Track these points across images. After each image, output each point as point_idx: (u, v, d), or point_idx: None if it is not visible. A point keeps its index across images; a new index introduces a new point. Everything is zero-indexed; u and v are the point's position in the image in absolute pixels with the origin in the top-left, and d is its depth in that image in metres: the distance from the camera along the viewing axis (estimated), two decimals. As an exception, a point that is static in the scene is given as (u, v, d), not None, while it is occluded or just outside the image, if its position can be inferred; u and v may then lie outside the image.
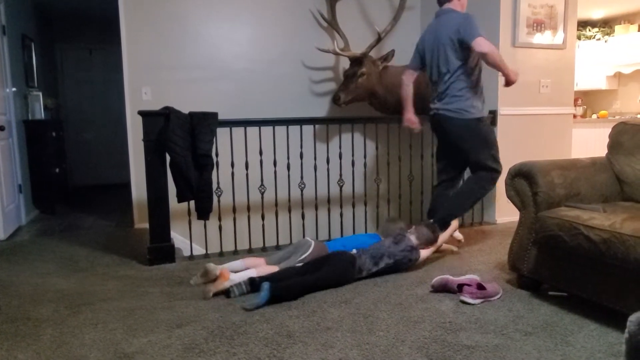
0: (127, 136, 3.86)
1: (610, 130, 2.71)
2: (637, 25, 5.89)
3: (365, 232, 3.49)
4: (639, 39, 5.79)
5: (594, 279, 2.03)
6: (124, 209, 4.62)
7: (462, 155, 2.99)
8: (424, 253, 2.71)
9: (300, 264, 2.57)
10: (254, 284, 2.34)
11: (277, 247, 3.27)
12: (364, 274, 2.52)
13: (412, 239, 2.68)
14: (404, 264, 2.63)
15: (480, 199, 3.04)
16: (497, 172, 2.95)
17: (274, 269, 2.52)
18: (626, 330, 1.06)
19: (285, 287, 2.27)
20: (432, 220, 2.92)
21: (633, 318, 0.85)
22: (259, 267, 2.55)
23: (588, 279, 2.05)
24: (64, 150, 5.78)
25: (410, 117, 3.17)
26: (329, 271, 2.41)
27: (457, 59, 2.83)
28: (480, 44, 2.70)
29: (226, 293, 2.33)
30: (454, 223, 2.96)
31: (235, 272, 2.50)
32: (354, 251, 2.59)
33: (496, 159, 2.96)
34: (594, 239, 1.94)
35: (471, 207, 3.18)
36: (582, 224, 2.01)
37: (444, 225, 2.89)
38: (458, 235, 3.09)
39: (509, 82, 2.81)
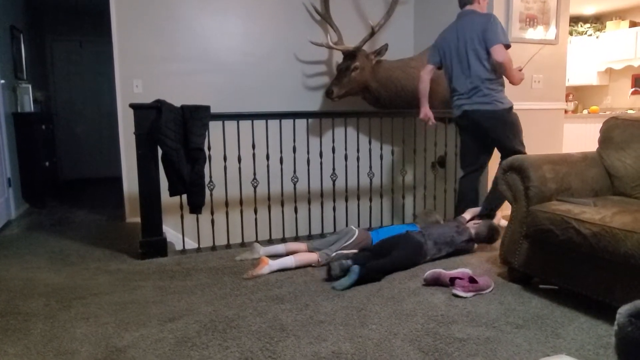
0: (118, 129, 3.82)
1: (601, 125, 2.73)
2: (628, 22, 5.93)
3: (358, 226, 3.49)
4: (629, 35, 5.83)
5: (584, 272, 2.05)
6: (115, 203, 4.59)
7: (494, 144, 3.12)
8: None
9: (341, 246, 2.76)
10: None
11: (270, 241, 3.27)
12: (427, 258, 2.71)
13: (472, 232, 2.87)
14: (461, 252, 2.83)
15: None
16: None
17: (314, 255, 2.70)
18: (615, 322, 1.07)
19: (370, 270, 2.43)
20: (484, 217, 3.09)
21: (622, 310, 0.86)
22: (299, 254, 2.74)
23: (578, 272, 2.07)
24: (54, 144, 5.72)
25: (427, 111, 3.31)
26: (401, 255, 2.58)
27: (484, 58, 2.95)
28: (498, 52, 2.87)
29: (328, 273, 2.47)
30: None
31: (276, 256, 2.73)
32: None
33: (523, 144, 3.11)
34: (585, 232, 1.96)
35: None
36: (573, 218, 2.03)
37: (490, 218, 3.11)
38: None
39: (516, 84, 3.04)
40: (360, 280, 2.36)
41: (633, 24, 5.89)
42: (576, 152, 2.61)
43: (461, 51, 3.03)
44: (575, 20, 6.42)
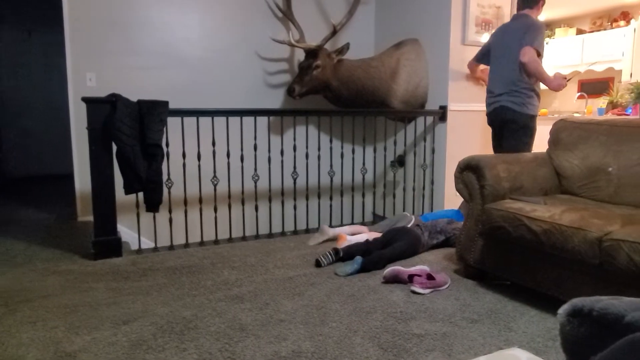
0: (69, 124, 3.65)
1: (550, 127, 2.86)
2: (575, 29, 6.23)
3: (319, 226, 3.50)
4: (576, 42, 6.12)
5: (534, 267, 2.14)
6: (66, 201, 4.39)
7: (505, 143, 3.18)
8: None
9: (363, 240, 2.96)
10: (337, 254, 2.71)
11: (230, 240, 3.22)
12: (425, 248, 2.95)
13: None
14: (452, 241, 2.99)
15: None
16: None
17: (378, 235, 2.98)
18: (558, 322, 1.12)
19: (373, 260, 2.60)
20: None
21: (561, 310, 0.89)
22: (373, 234, 3.04)
23: (529, 268, 2.16)
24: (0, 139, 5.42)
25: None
26: (402, 246, 2.79)
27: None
28: (524, 52, 2.93)
29: (316, 263, 2.68)
30: None
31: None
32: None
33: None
34: (536, 229, 2.05)
35: None
36: (525, 216, 2.11)
37: None
38: None
39: (554, 89, 3.11)
40: (363, 269, 2.55)
41: (580, 32, 6.20)
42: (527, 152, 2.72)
43: (504, 52, 3.12)
44: (527, 26, 6.67)
